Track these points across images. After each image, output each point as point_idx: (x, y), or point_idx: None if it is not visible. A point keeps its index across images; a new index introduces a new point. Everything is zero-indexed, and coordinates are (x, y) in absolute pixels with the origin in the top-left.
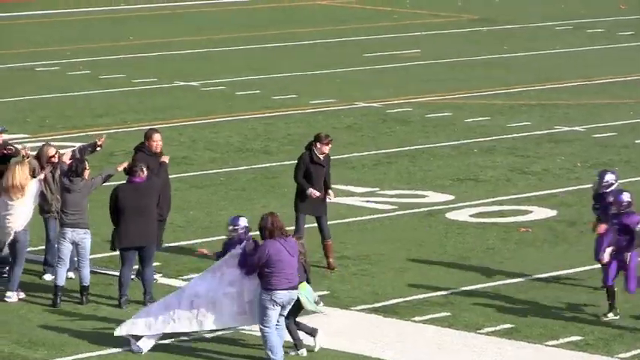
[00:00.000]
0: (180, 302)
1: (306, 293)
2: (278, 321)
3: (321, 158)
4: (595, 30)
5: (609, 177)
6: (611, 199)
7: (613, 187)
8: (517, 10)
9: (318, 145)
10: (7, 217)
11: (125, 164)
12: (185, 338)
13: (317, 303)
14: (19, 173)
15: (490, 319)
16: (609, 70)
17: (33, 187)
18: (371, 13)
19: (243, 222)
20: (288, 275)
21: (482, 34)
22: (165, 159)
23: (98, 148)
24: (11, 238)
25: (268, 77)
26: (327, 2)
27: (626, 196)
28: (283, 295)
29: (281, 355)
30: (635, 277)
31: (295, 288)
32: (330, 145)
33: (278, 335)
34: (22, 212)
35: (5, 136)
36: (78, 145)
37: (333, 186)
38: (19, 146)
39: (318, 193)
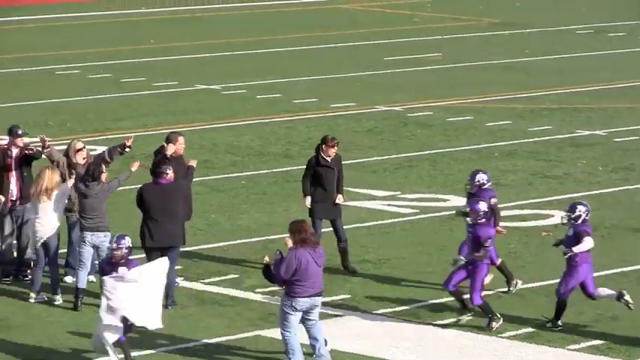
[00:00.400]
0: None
1: None
2: (307, 323)
3: (329, 161)
4: (616, 34)
5: (480, 177)
6: (467, 209)
7: (485, 187)
8: (538, 14)
9: (324, 147)
10: (37, 220)
11: (137, 163)
12: (206, 341)
13: None
14: (49, 177)
15: (512, 323)
16: (630, 74)
17: (62, 191)
18: (392, 17)
19: (127, 242)
20: (313, 284)
21: (504, 38)
22: (194, 163)
23: (127, 149)
24: (42, 242)
25: (289, 81)
26: (349, 6)
27: (482, 206)
28: (304, 302)
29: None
30: (480, 290)
31: (318, 294)
32: (335, 148)
33: (315, 334)
34: (51, 217)
35: (26, 140)
36: (101, 148)
37: (354, 189)
38: (39, 147)
39: (309, 204)
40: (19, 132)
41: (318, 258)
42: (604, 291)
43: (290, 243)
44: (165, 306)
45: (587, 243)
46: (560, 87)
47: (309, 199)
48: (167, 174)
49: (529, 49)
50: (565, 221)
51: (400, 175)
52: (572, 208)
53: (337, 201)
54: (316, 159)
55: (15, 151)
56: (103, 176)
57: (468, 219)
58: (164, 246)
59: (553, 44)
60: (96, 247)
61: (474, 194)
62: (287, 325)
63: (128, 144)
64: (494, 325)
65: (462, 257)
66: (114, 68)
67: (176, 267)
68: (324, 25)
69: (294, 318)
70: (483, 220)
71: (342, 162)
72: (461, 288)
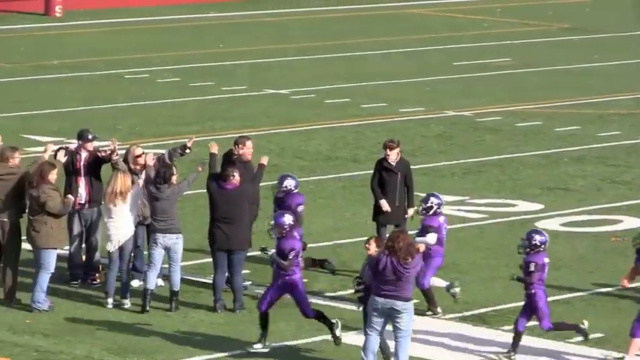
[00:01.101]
0: None
1: None
2: (395, 332)
3: (392, 164)
4: None
5: (288, 182)
6: (272, 222)
7: (294, 192)
8: (608, 19)
9: (385, 150)
10: (112, 224)
11: (204, 164)
12: (274, 345)
13: None
14: (122, 181)
15: None
16: None
17: (135, 194)
18: (461, 22)
19: None
20: (388, 287)
21: (573, 43)
22: (265, 161)
23: (187, 151)
24: (118, 246)
25: (358, 85)
26: (418, 11)
27: (287, 219)
28: (378, 301)
29: None
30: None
31: (395, 297)
32: (392, 150)
33: (398, 351)
34: (126, 220)
35: (96, 143)
36: (165, 151)
37: (423, 194)
38: (107, 148)
39: (387, 207)
40: (89, 136)
41: (402, 269)
42: (436, 281)
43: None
44: (233, 310)
45: (430, 238)
46: (630, 92)
47: (384, 201)
48: (233, 177)
49: (598, 55)
50: (420, 211)
51: (469, 180)
52: (425, 199)
53: (407, 216)
54: (381, 162)
55: (84, 155)
56: (174, 178)
57: (272, 234)
58: (226, 249)
59: (622, 49)
60: (167, 249)
61: (282, 199)
62: (367, 324)
63: (189, 145)
64: (258, 345)
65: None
66: (182, 72)
67: (245, 271)
68: (393, 29)
69: (373, 318)
70: (289, 232)
71: (412, 167)
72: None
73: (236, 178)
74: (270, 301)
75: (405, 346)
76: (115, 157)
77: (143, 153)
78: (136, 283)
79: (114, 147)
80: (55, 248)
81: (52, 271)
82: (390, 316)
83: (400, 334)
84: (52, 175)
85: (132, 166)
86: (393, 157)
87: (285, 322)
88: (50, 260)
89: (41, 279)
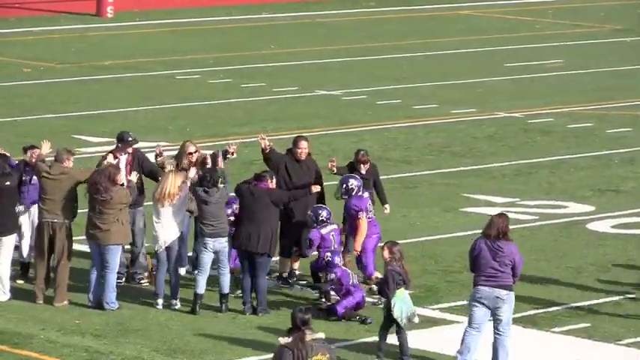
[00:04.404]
0: None
1: (401, 303)
2: (495, 325)
3: (364, 173)
4: None
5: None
6: None
7: None
8: None
9: (359, 164)
10: (158, 225)
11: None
12: (364, 340)
13: (410, 319)
14: (172, 182)
15: (630, 330)
16: None
17: (184, 195)
18: (513, 23)
19: None
20: (488, 275)
21: (625, 45)
22: (315, 189)
23: (229, 156)
24: (165, 247)
25: (409, 87)
26: (469, 12)
27: None
28: (483, 292)
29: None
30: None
31: (499, 286)
32: (367, 164)
33: (498, 346)
34: (173, 221)
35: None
36: (209, 154)
37: (473, 196)
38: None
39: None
40: (130, 139)
41: (496, 251)
42: None
43: None
44: (255, 313)
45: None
46: None
47: None
48: (270, 180)
49: None
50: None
51: (520, 181)
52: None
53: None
54: (352, 169)
55: (125, 158)
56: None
57: None
58: (245, 249)
59: None
60: (216, 252)
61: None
62: (469, 319)
63: (231, 150)
64: None
65: None
66: (234, 73)
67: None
68: (444, 31)
69: (475, 310)
70: None
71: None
72: None
73: (272, 181)
74: None
75: (507, 345)
76: (159, 159)
77: (196, 151)
78: (182, 271)
79: (159, 151)
80: (124, 244)
81: (117, 268)
82: (493, 308)
83: (501, 328)
84: (120, 178)
85: (183, 159)
86: (364, 170)
87: (336, 324)
88: (117, 258)
89: (110, 278)
